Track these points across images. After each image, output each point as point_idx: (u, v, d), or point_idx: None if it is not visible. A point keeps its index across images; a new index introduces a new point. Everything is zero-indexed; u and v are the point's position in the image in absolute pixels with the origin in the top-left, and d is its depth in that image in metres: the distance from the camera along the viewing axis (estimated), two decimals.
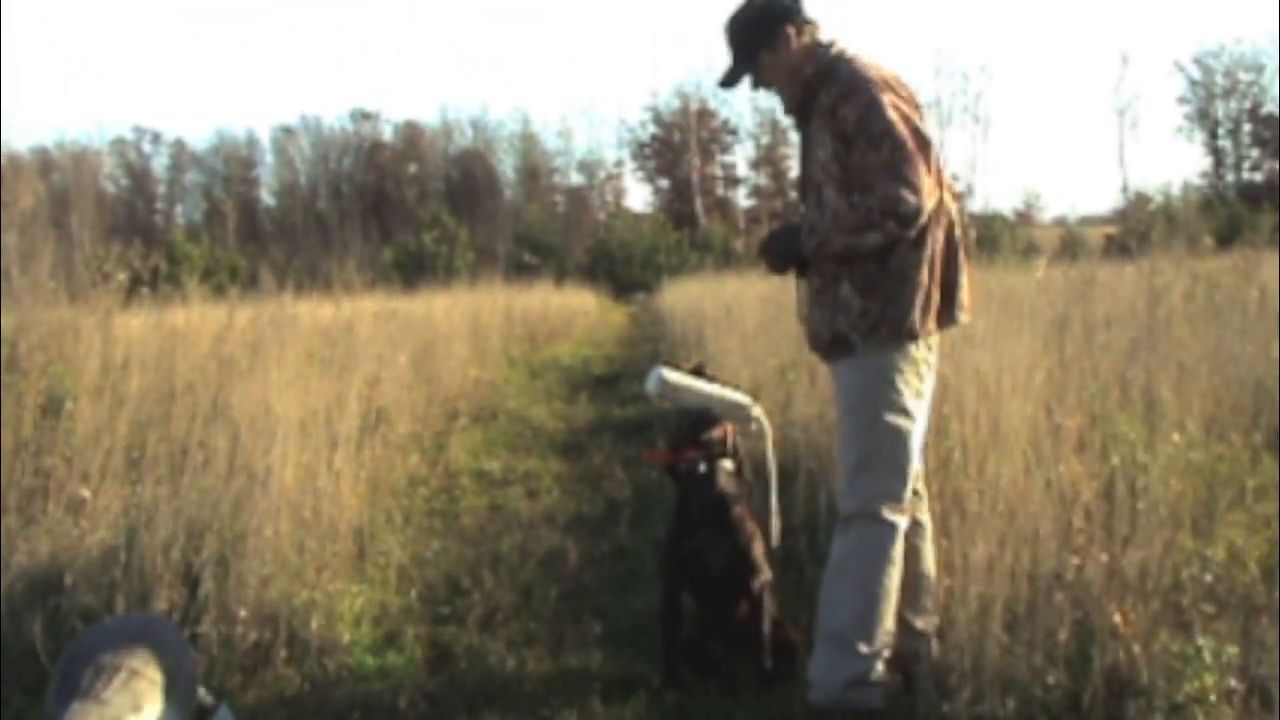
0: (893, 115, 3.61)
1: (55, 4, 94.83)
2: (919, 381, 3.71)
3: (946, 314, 3.74)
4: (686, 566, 4.09)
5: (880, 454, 3.69)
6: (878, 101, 3.63)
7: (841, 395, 3.83)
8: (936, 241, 3.70)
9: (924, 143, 3.63)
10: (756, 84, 3.97)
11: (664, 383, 4.13)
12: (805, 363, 6.96)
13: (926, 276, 3.68)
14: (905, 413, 3.68)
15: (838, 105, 3.71)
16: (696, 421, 4.16)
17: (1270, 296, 7.33)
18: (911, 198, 3.57)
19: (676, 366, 4.36)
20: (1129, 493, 3.88)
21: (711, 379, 4.26)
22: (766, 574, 4.09)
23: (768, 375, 7.78)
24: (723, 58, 3.97)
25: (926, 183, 3.59)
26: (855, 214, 3.64)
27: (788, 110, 3.96)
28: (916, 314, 3.67)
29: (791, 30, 3.83)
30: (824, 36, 3.86)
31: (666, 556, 4.21)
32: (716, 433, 4.17)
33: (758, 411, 4.23)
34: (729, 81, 3.99)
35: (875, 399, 3.71)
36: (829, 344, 3.83)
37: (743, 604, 4.05)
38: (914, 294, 3.67)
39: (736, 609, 4.05)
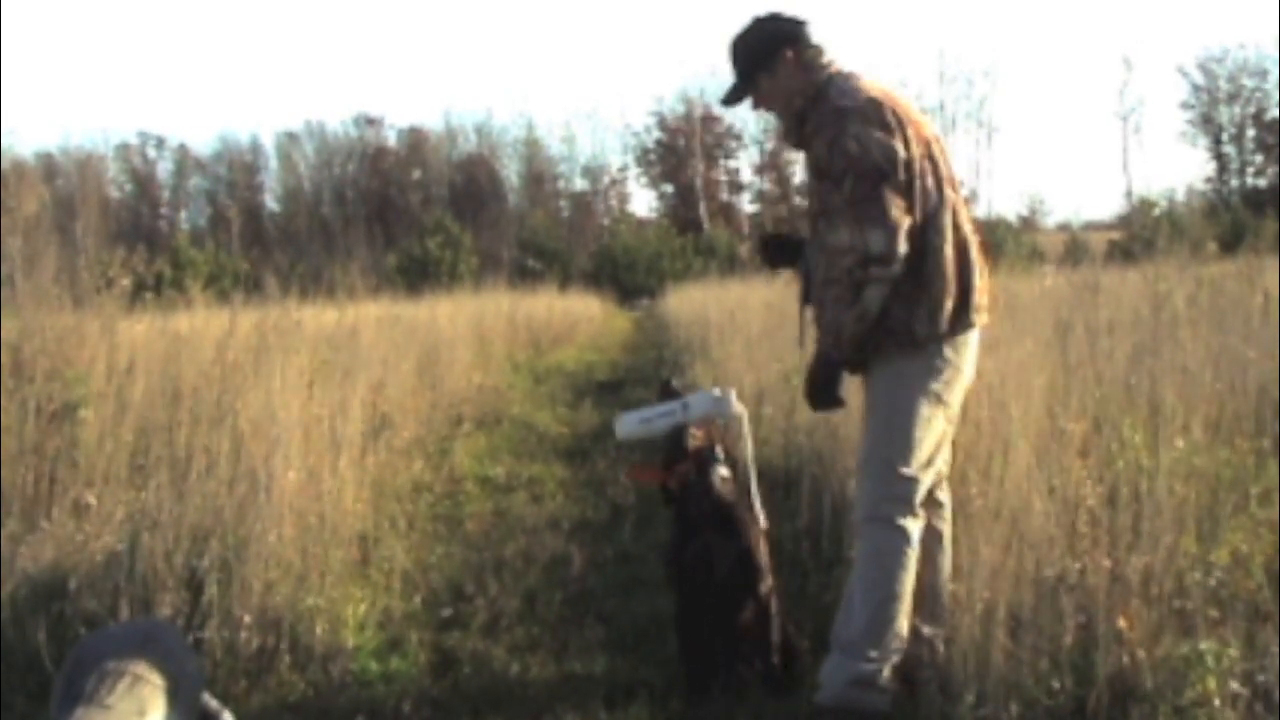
0: (854, 149, 3.61)
1: (59, 9, 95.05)
2: (940, 386, 3.69)
3: (961, 318, 3.71)
4: (691, 573, 4.08)
5: (892, 459, 3.69)
6: (842, 135, 3.65)
7: (866, 401, 3.86)
8: (943, 247, 3.68)
9: (898, 168, 3.61)
10: (756, 105, 4.00)
11: (626, 424, 4.23)
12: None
13: (937, 283, 3.67)
14: (919, 418, 3.68)
15: (813, 140, 3.78)
16: (671, 438, 4.20)
17: (1274, 302, 7.31)
18: (876, 236, 3.59)
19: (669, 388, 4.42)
20: (1133, 497, 3.87)
21: (677, 392, 4.29)
22: (771, 580, 4.09)
23: (772, 380, 7.79)
24: (726, 66, 3.99)
25: (894, 211, 3.58)
26: (842, 284, 3.66)
27: (786, 136, 3.99)
28: (923, 322, 3.66)
29: (791, 54, 3.82)
30: (825, 59, 3.84)
31: (669, 565, 4.21)
32: (695, 439, 4.19)
33: (733, 398, 4.25)
34: (730, 100, 4.03)
35: (889, 404, 3.73)
36: (854, 366, 3.85)
37: (748, 608, 4.05)
38: (919, 303, 3.66)
39: (741, 613, 4.05)
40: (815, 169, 3.80)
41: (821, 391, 3.88)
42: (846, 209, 3.65)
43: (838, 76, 3.81)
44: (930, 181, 3.69)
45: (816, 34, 3.88)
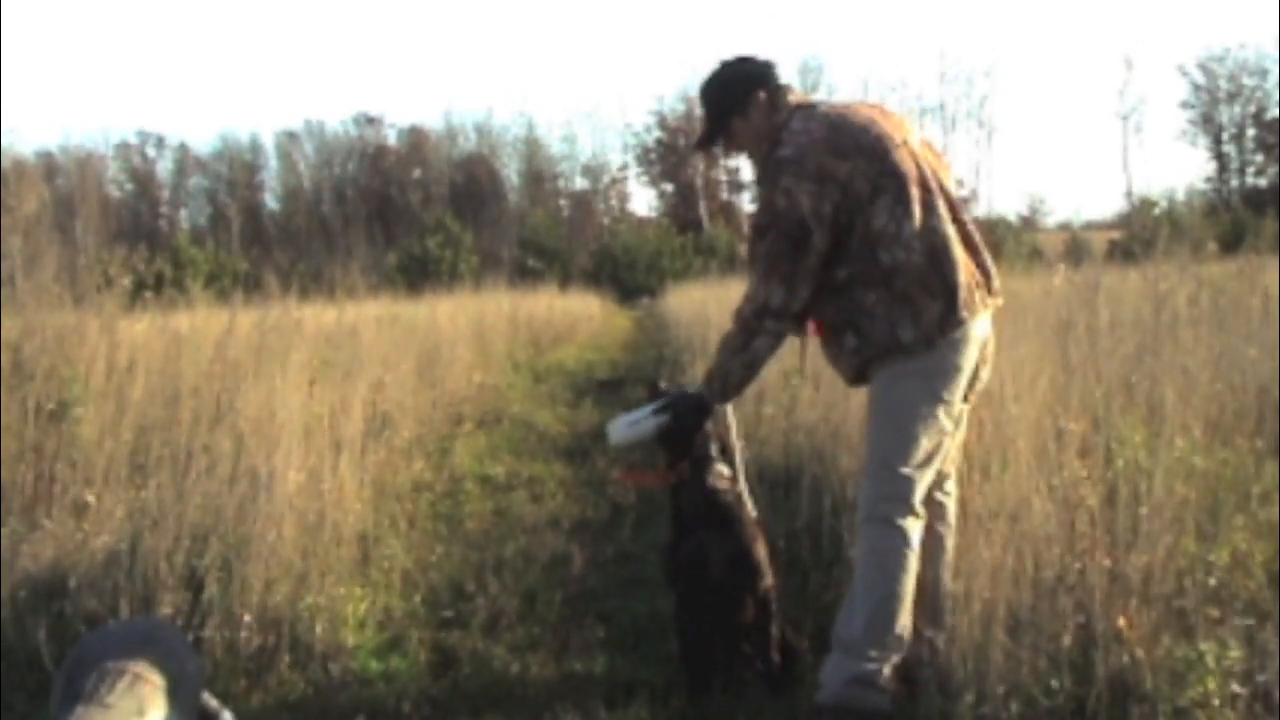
0: (781, 204, 3.66)
1: (59, 7, 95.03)
2: (938, 384, 3.69)
3: (950, 318, 3.68)
4: (686, 570, 4.08)
5: (889, 458, 3.69)
6: (773, 190, 3.70)
7: (868, 403, 3.88)
8: (909, 259, 3.65)
9: (822, 223, 3.64)
10: (728, 149, 4.05)
11: (619, 429, 4.23)
12: (809, 368, 6.95)
13: (914, 293, 3.65)
14: (916, 417, 3.67)
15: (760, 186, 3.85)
16: (665, 438, 4.19)
17: (1274, 302, 7.31)
18: (778, 292, 3.71)
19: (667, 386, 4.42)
20: (1133, 497, 3.87)
21: (665, 392, 4.28)
22: (770, 578, 4.08)
23: (771, 380, 7.76)
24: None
25: (803, 273, 3.69)
26: (736, 328, 3.83)
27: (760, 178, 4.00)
28: (907, 329, 3.66)
29: (763, 95, 3.88)
30: (790, 97, 3.88)
31: (666, 564, 4.21)
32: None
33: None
34: (703, 144, 4.08)
35: (886, 404, 3.74)
36: (857, 379, 3.88)
37: (747, 606, 4.04)
38: (901, 312, 3.66)
39: (740, 611, 4.04)
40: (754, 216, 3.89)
41: (681, 428, 4.02)
42: (762, 259, 3.74)
43: (797, 113, 3.83)
44: (889, 199, 3.66)
45: (783, 74, 3.95)
